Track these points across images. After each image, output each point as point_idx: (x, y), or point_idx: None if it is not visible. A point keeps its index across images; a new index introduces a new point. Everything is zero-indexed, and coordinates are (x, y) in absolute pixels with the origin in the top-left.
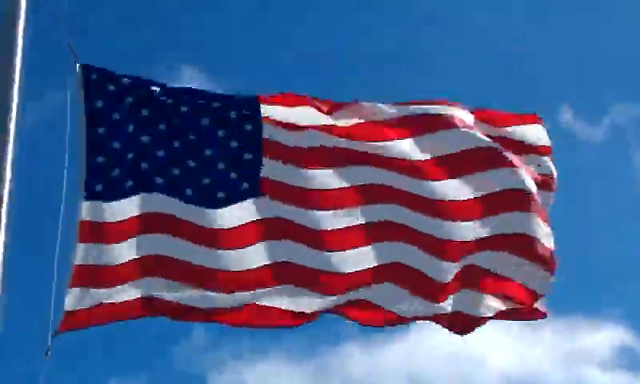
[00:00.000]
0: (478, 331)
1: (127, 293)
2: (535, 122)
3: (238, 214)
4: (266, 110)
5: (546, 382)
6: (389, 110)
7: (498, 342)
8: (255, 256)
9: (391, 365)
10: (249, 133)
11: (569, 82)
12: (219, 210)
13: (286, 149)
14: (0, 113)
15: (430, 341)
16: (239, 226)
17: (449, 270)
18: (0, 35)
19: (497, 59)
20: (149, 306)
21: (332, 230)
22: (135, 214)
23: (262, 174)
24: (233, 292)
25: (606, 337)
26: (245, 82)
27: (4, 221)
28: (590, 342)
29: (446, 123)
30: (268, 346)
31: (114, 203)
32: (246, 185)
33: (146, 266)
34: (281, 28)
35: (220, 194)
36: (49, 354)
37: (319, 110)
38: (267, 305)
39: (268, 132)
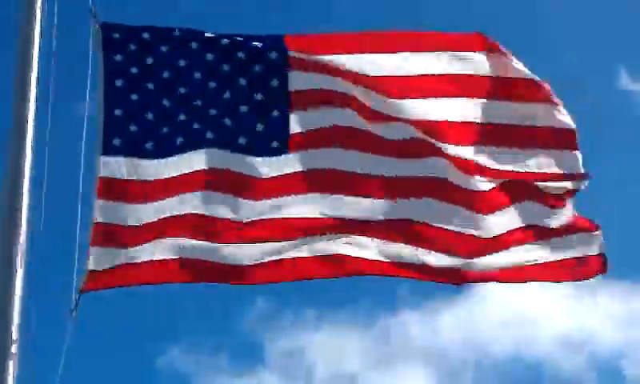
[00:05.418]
0: (534, 294)
1: (155, 253)
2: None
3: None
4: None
5: (603, 344)
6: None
7: (553, 305)
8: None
9: (448, 330)
10: (275, 88)
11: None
12: (242, 156)
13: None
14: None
15: (485, 306)
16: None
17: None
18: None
19: None
20: (186, 269)
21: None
22: (163, 176)
23: (291, 131)
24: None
25: None
26: None
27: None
28: None
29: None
30: (327, 313)
31: (134, 160)
32: (275, 143)
33: (174, 227)
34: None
35: (241, 140)
36: (74, 313)
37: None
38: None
39: (295, 83)
